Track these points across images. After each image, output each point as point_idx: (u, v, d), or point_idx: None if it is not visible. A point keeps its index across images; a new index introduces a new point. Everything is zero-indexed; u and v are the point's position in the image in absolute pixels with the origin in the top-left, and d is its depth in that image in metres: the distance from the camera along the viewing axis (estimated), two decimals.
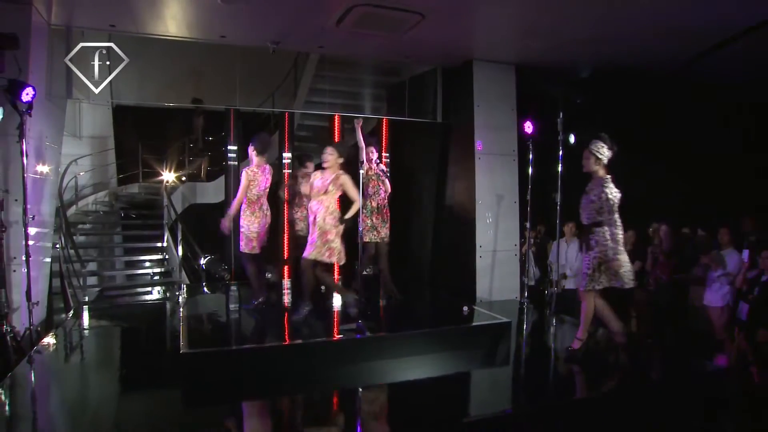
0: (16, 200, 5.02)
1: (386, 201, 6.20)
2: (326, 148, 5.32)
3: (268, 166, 5.73)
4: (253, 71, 8.19)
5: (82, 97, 6.67)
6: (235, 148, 7.23)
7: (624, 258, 4.56)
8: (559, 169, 6.49)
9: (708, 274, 6.33)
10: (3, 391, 3.80)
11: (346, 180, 5.22)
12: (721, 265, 6.21)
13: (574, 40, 6.38)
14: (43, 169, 5.67)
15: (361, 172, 5.30)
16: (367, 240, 6.01)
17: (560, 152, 6.48)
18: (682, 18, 5.67)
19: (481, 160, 7.34)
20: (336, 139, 7.53)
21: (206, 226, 5.96)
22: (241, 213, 5.59)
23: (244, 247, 5.60)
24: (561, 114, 6.43)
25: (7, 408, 3.63)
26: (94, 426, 3.47)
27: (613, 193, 4.49)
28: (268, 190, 5.69)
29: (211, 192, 9.78)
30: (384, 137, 7.81)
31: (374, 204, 6.08)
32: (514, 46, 6.90)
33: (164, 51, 9.31)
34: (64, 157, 8.04)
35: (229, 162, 7.22)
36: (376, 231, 6.07)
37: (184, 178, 10.18)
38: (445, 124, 7.95)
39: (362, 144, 5.81)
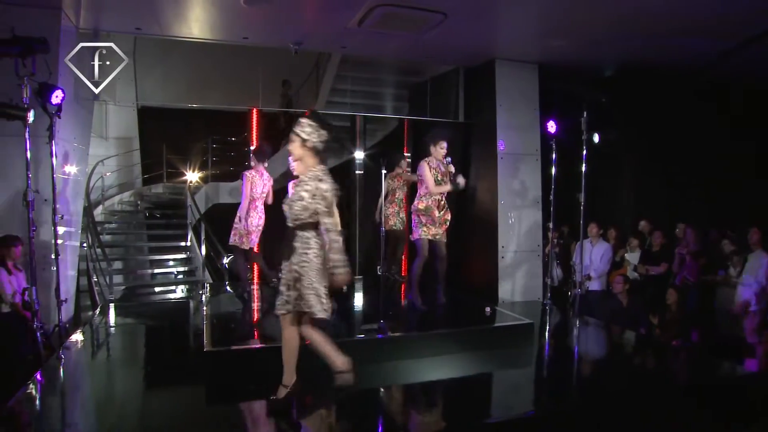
0: (45, 200, 5.12)
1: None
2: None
3: (266, 173, 6.00)
4: (276, 72, 8.25)
5: (108, 99, 6.80)
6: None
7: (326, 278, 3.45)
8: (583, 168, 6.41)
9: (737, 275, 6.19)
10: (34, 386, 3.89)
11: None
12: (751, 268, 6.07)
13: (597, 38, 6.29)
14: (72, 169, 5.80)
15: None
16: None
17: (584, 152, 6.39)
18: (707, 14, 5.55)
19: (504, 160, 7.28)
20: (357, 140, 7.54)
21: (229, 226, 6.05)
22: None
23: (235, 241, 5.93)
24: (585, 113, 6.35)
25: (37, 402, 3.72)
26: (119, 421, 3.53)
27: (329, 189, 3.40)
28: (265, 194, 5.98)
29: (233, 192, 9.87)
30: (405, 137, 7.80)
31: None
32: (537, 45, 6.83)
33: (188, 53, 9.45)
34: (91, 158, 8.18)
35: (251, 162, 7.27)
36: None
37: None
38: (467, 124, 7.91)
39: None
